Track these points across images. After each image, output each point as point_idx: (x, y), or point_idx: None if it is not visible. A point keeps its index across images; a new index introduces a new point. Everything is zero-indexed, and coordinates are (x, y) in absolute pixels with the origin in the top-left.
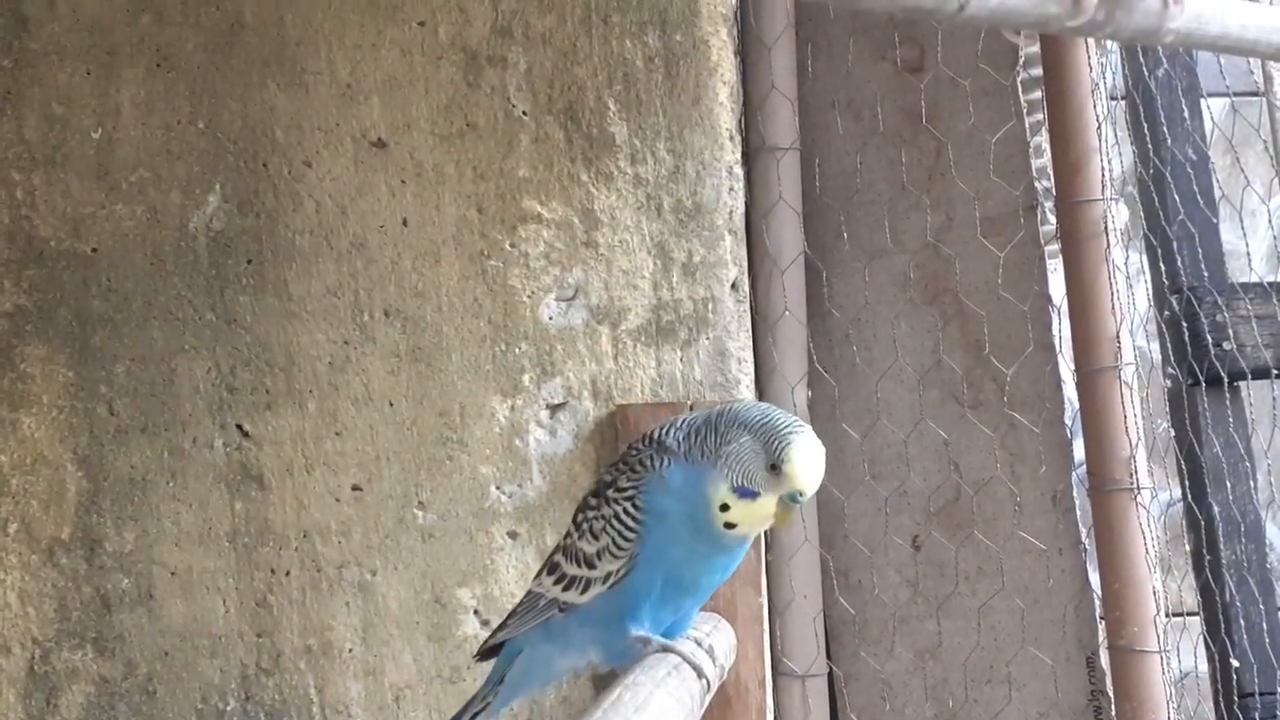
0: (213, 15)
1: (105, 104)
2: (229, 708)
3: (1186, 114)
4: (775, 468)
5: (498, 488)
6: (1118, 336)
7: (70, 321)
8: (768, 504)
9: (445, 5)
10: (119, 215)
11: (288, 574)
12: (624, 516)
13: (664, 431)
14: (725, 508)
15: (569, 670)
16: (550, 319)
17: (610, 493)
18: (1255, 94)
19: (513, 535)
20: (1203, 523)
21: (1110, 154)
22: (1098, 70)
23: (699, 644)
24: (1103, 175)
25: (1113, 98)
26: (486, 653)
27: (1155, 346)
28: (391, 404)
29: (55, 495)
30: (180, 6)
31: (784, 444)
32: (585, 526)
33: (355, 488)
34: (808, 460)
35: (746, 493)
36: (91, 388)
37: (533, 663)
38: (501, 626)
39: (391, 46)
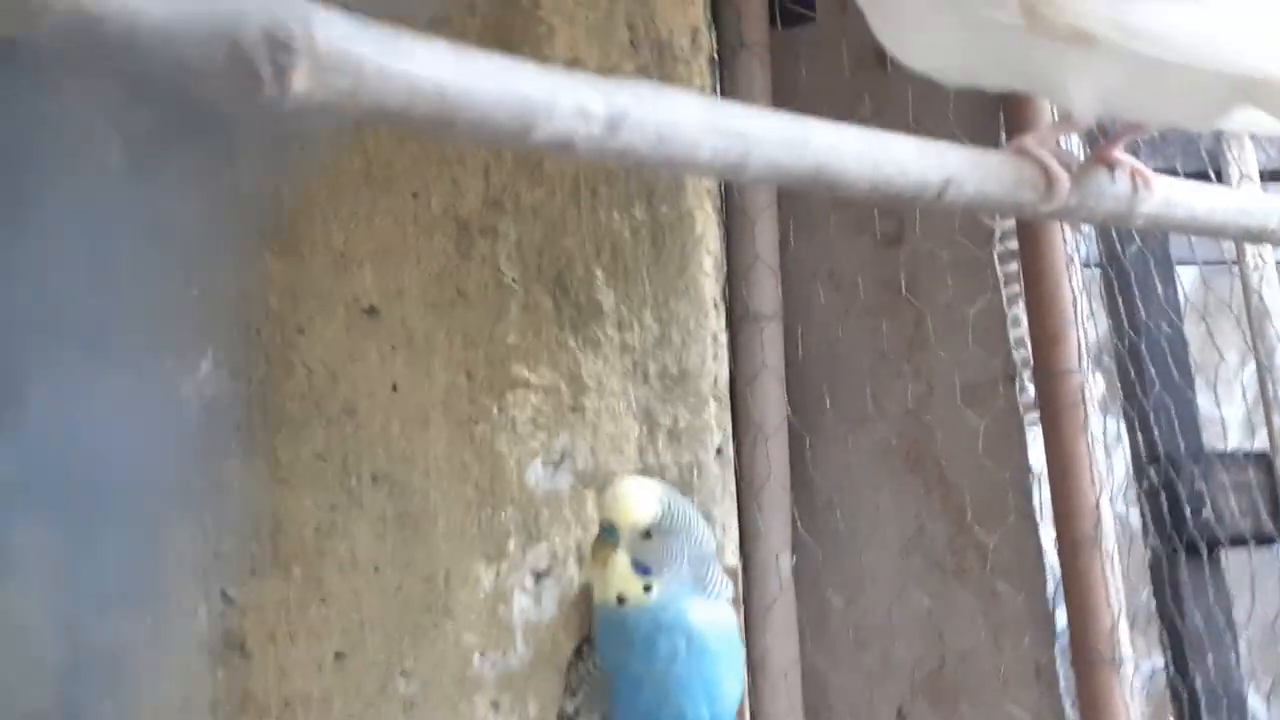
0: (210, 185)
1: (99, 273)
2: None
3: (1159, 286)
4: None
5: (481, 655)
6: (1098, 505)
7: (55, 490)
8: (595, 553)
9: (439, 177)
10: (107, 379)
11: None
12: (592, 668)
13: None
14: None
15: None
16: (536, 483)
17: (585, 647)
18: (1224, 262)
19: (495, 705)
20: (1185, 695)
21: (1086, 323)
22: (1072, 244)
23: None
24: (1079, 346)
25: (1086, 265)
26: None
27: (1135, 513)
28: (377, 569)
29: (33, 668)
30: (176, 178)
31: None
32: (567, 684)
33: (338, 655)
34: (609, 490)
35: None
36: (74, 557)
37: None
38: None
39: (385, 216)
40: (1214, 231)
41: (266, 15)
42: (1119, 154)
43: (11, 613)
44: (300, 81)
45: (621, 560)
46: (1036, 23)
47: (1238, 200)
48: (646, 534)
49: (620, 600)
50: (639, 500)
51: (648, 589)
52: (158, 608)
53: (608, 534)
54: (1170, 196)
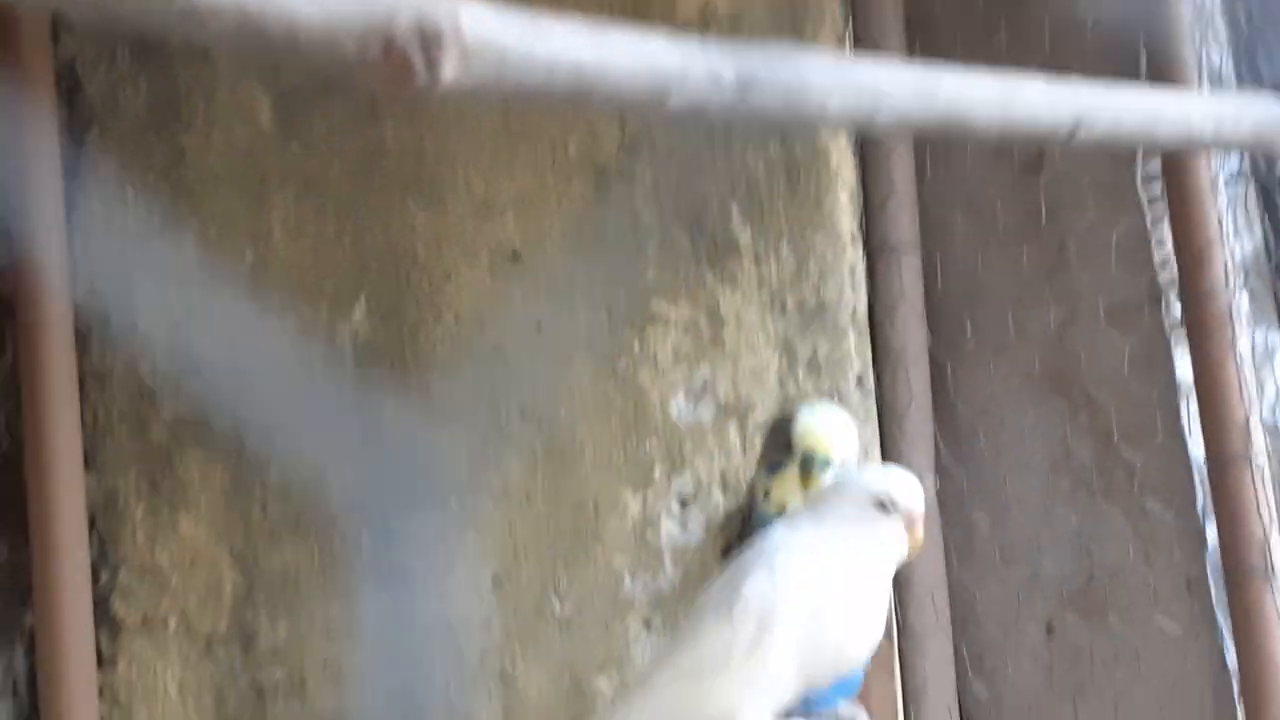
0: (356, 141)
1: (258, 226)
2: None
3: None
4: (787, 440)
5: (632, 578)
6: (1247, 423)
7: (226, 428)
8: (790, 472)
9: (575, 125)
10: (271, 328)
11: (432, 664)
12: None
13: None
14: (766, 493)
15: None
16: (679, 415)
17: (734, 551)
18: None
19: (647, 624)
20: None
21: (1233, 240)
22: (1218, 163)
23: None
24: (1225, 267)
25: (1237, 175)
26: None
27: None
28: (529, 499)
29: (212, 592)
30: (325, 134)
31: (796, 414)
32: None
33: (495, 580)
34: (815, 420)
35: (775, 467)
36: (246, 490)
37: None
38: None
39: (524, 164)
40: None
41: (417, 10)
42: None
43: (189, 543)
44: (450, 70)
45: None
46: None
47: None
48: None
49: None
50: (848, 431)
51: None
52: (323, 538)
53: (819, 461)
54: None
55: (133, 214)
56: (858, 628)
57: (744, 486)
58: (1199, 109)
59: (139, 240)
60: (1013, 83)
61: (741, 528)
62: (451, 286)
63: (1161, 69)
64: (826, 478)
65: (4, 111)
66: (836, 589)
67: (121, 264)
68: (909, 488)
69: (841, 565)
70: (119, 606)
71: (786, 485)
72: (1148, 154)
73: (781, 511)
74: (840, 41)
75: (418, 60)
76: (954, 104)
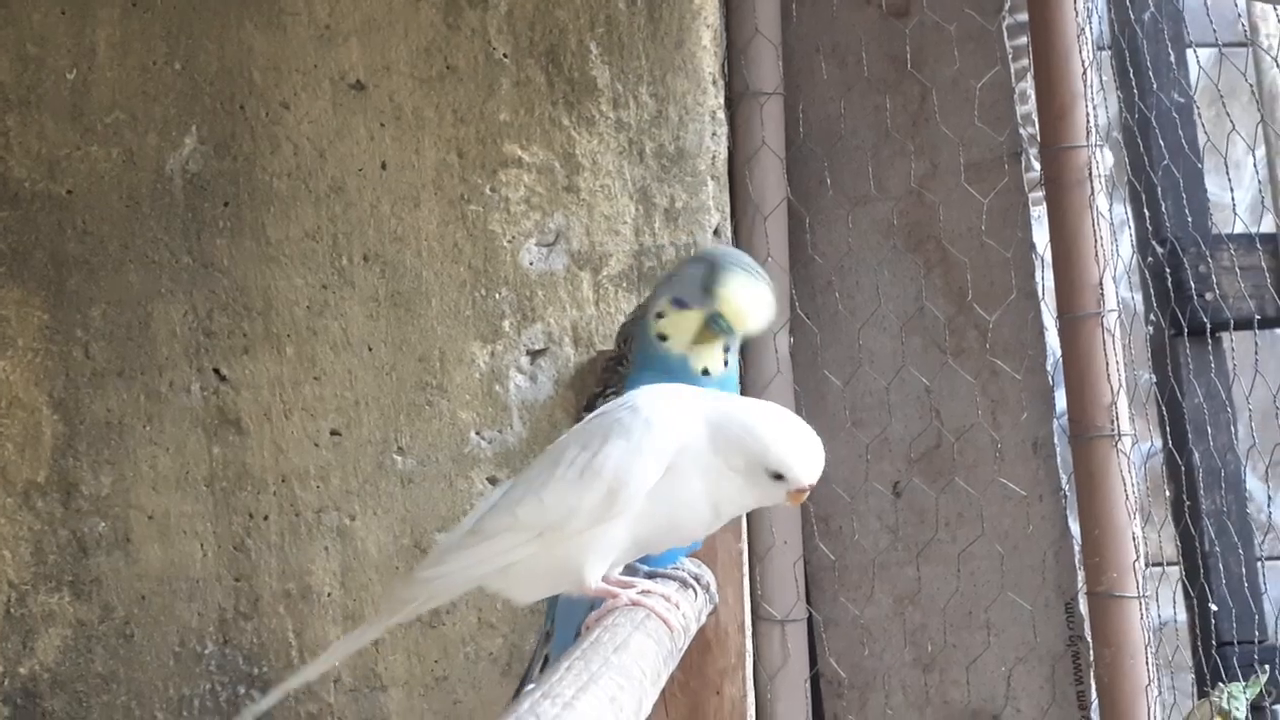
0: None
1: (80, 45)
2: (207, 651)
3: (1173, 62)
4: (708, 289)
5: (478, 433)
6: (1101, 284)
7: (45, 264)
8: (693, 318)
9: None
10: (94, 157)
11: (266, 518)
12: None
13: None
14: (660, 315)
15: None
16: (531, 264)
17: (599, 401)
18: (1242, 44)
19: (493, 480)
20: (1183, 471)
21: (1095, 102)
22: (1083, 15)
23: (696, 578)
24: (1088, 122)
25: (1099, 47)
26: None
27: (1138, 297)
28: (370, 349)
29: (31, 439)
30: None
31: (723, 269)
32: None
33: (334, 432)
34: (739, 288)
35: (679, 303)
36: (67, 331)
37: None
38: None
39: None
40: None
41: None
42: None
43: (5, 385)
44: None
45: (720, 345)
46: None
47: None
48: None
49: (705, 371)
50: (766, 316)
51: (726, 364)
52: (150, 383)
53: (724, 328)
54: None
55: None
56: (700, 520)
57: (596, 340)
58: None
59: None
60: None
61: (614, 352)
62: (290, 117)
63: None
64: (727, 348)
65: None
66: (688, 491)
67: None
68: (812, 465)
69: (702, 486)
70: None
71: (681, 326)
72: (1014, 6)
73: (664, 341)
74: None
75: None
76: None
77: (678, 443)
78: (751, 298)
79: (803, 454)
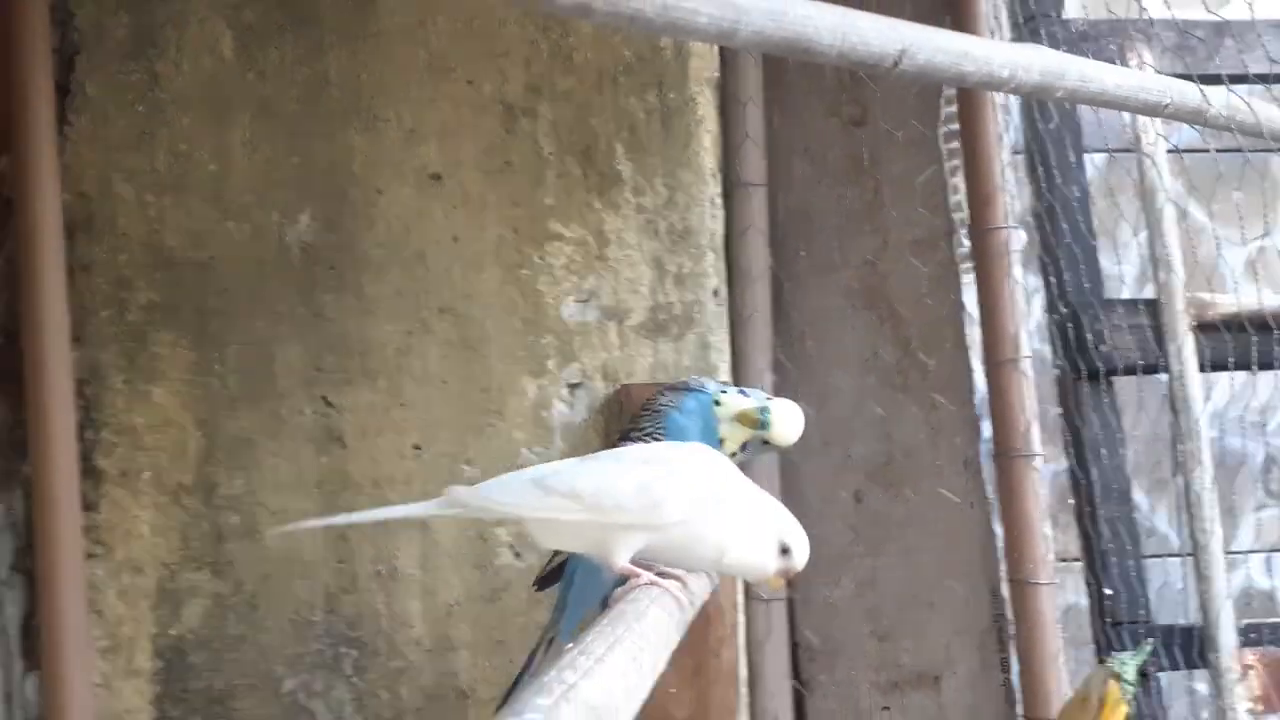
0: (305, 73)
1: (220, 143)
2: (316, 618)
3: (1073, 163)
4: (763, 423)
5: (528, 449)
6: (1017, 336)
7: (191, 314)
8: (745, 435)
9: (488, 67)
10: (230, 231)
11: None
12: (654, 436)
13: (682, 382)
14: (717, 403)
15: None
16: (570, 316)
17: (634, 434)
18: (1128, 150)
19: None
20: (1083, 485)
21: (1012, 193)
22: (1002, 125)
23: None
24: (1006, 208)
25: (1015, 151)
26: (544, 582)
27: (1047, 348)
28: (445, 382)
29: (180, 450)
30: (279, 65)
31: (772, 410)
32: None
33: (416, 447)
34: (790, 423)
35: (758, 424)
36: (208, 366)
37: (587, 576)
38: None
39: (445, 100)
40: (1119, 105)
41: None
42: None
43: (160, 409)
44: None
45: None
46: None
47: (1138, 79)
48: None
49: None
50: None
51: (734, 456)
52: (273, 408)
53: (765, 422)
54: (1085, 72)
55: (114, 128)
56: (706, 560)
57: (620, 376)
58: (999, 54)
59: (119, 150)
60: (850, 14)
61: (659, 401)
62: (383, 200)
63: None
64: (744, 447)
65: (4, 34)
66: (707, 534)
67: (104, 170)
68: (806, 553)
69: (717, 539)
70: (101, 461)
71: (736, 433)
72: (951, 103)
73: (721, 444)
74: None
75: None
76: (801, 26)
77: (710, 493)
78: (795, 427)
79: (804, 542)
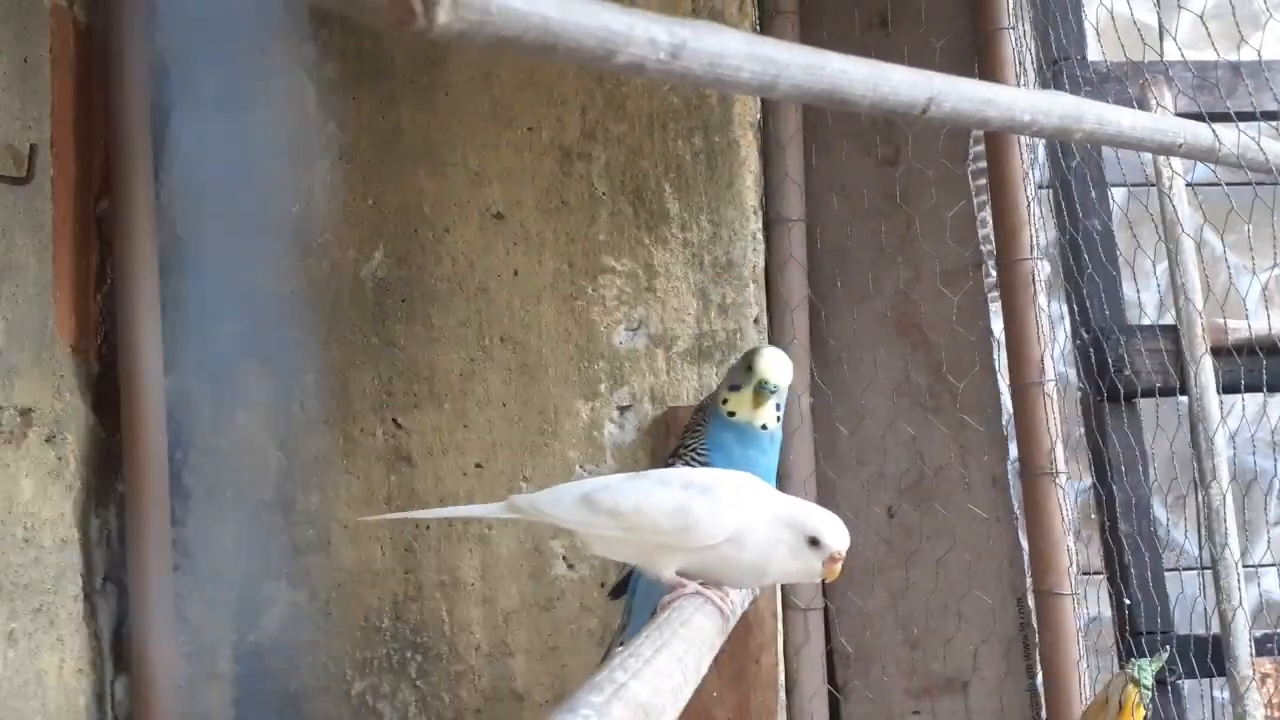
0: (379, 122)
1: (301, 187)
2: (384, 625)
3: (1095, 198)
4: (749, 369)
5: (581, 467)
6: (1042, 360)
7: (273, 343)
8: (746, 393)
9: (547, 115)
10: (310, 267)
11: (428, 528)
12: (698, 452)
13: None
14: (725, 401)
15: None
16: (621, 344)
17: (682, 451)
18: (1148, 184)
19: None
20: (1106, 501)
21: (1038, 226)
22: (1028, 162)
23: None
24: (1032, 240)
25: (1040, 186)
26: (616, 591)
27: (1072, 372)
28: (505, 405)
29: (261, 469)
30: (355, 117)
31: (752, 354)
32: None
33: (478, 465)
34: (769, 358)
35: (734, 387)
36: (288, 391)
37: (648, 586)
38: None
39: (508, 145)
40: (1135, 145)
41: None
42: None
43: (242, 430)
44: (443, 15)
45: (772, 404)
46: None
47: (1153, 121)
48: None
49: (764, 427)
50: (789, 370)
51: (778, 419)
52: (347, 430)
53: (768, 389)
54: (1102, 115)
55: (204, 174)
56: (747, 575)
57: (667, 399)
58: (1020, 100)
59: (209, 195)
60: (881, 67)
61: (695, 419)
62: (450, 238)
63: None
64: (774, 399)
65: (106, 89)
66: (744, 552)
67: (195, 212)
68: (840, 533)
69: (754, 553)
70: (189, 479)
71: (741, 401)
72: (979, 142)
73: (733, 416)
74: (751, 28)
75: (418, 6)
76: (837, 79)
77: (745, 518)
78: (777, 361)
79: (833, 525)
